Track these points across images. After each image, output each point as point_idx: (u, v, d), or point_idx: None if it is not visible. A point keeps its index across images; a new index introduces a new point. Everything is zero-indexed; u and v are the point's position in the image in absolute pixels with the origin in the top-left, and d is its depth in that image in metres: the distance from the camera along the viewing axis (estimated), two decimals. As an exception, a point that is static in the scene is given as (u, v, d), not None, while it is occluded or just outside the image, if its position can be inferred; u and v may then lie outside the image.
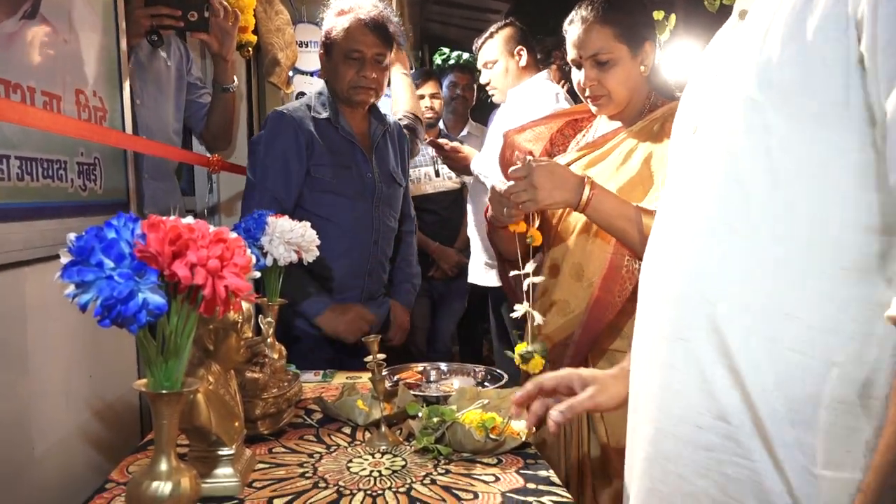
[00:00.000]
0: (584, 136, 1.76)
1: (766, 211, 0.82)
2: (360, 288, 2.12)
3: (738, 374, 0.83)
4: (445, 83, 3.66)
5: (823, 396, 0.78)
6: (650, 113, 1.64)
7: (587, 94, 1.64)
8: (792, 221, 0.80)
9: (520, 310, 1.56)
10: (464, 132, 3.63)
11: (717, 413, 0.85)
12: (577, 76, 1.65)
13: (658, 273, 0.95)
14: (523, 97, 2.73)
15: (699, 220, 0.89)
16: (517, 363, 1.57)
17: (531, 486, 1.16)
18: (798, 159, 0.80)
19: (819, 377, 0.79)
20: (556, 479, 1.19)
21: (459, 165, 2.83)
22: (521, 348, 1.57)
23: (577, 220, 1.65)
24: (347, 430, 1.44)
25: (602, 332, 1.59)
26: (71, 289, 0.82)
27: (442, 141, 2.89)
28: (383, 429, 1.36)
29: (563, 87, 2.95)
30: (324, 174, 2.03)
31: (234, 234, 0.93)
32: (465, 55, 4.98)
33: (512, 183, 1.50)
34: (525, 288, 1.56)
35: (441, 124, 3.64)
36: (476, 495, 1.12)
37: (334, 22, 2.07)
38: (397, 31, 2.10)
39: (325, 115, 2.06)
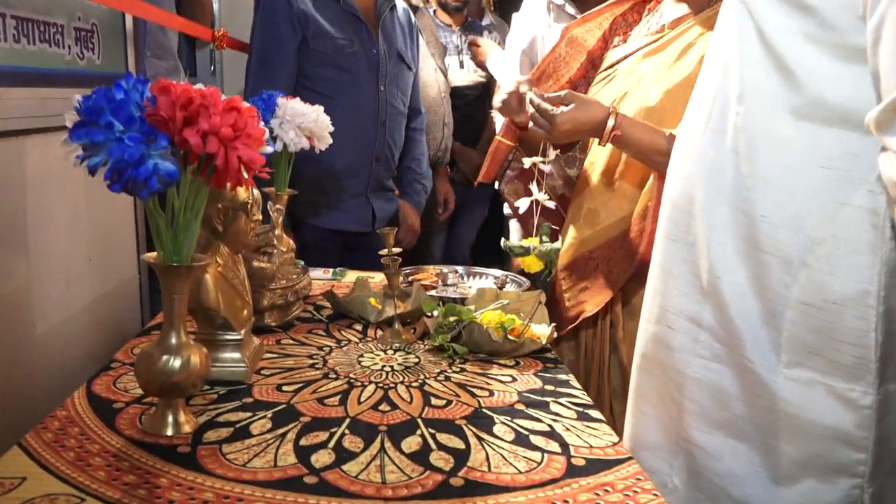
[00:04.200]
0: (647, 23, 1.74)
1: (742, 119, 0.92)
2: (367, 174, 2.20)
3: (714, 276, 0.92)
4: None
5: (791, 298, 0.87)
6: None
7: None
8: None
9: (523, 203, 1.64)
10: (485, 21, 3.56)
11: (688, 315, 0.95)
12: None
13: (669, 173, 1.04)
14: None
15: (696, 124, 0.99)
16: (509, 254, 1.62)
17: (549, 387, 1.23)
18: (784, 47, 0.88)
19: (788, 277, 0.87)
20: (575, 383, 1.26)
21: (475, 59, 2.80)
22: (527, 242, 1.63)
23: None
24: (358, 326, 1.52)
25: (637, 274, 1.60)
26: (79, 151, 0.87)
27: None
28: (396, 326, 1.43)
29: None
30: (324, 47, 2.08)
31: (247, 104, 0.97)
32: None
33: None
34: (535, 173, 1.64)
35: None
36: (491, 393, 1.19)
37: None
38: None
39: None
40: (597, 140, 1.70)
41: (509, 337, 1.35)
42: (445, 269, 1.90)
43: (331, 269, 1.93)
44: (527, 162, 1.68)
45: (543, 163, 1.66)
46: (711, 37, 1.53)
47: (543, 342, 1.39)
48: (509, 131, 1.83)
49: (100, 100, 0.87)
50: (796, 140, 0.88)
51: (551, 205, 1.68)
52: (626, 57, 1.70)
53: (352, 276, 1.91)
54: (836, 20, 0.83)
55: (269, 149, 1.02)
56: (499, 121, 3.04)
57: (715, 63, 1.00)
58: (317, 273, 1.89)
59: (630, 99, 1.62)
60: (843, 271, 0.85)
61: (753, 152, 0.91)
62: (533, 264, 1.66)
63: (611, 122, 1.52)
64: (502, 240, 1.74)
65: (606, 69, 1.74)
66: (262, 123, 1.50)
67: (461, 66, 3.35)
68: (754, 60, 0.91)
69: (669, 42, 1.62)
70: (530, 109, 1.56)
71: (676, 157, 1.05)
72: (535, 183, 1.69)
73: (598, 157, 1.71)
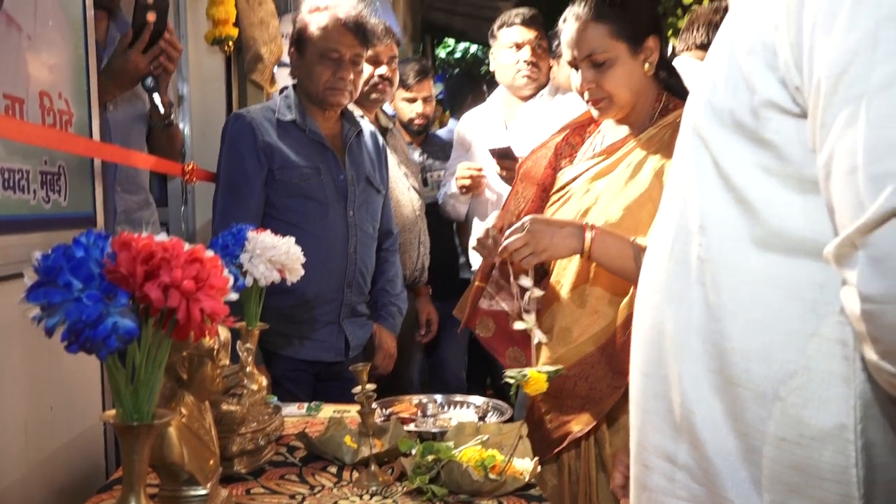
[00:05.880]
0: (591, 144, 1.85)
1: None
2: (339, 301, 2.26)
3: (688, 410, 0.93)
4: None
5: (767, 433, 0.87)
6: (661, 118, 1.72)
7: (586, 97, 1.73)
8: None
9: (521, 325, 1.65)
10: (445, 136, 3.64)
11: (664, 453, 0.95)
12: (575, 79, 1.74)
13: (637, 303, 1.07)
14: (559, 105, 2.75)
15: (660, 255, 1.01)
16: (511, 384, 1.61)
17: (533, 530, 1.23)
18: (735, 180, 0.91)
19: (764, 412, 0.88)
20: (561, 524, 1.25)
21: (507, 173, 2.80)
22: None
23: None
24: (333, 469, 1.51)
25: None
26: (36, 311, 0.90)
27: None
28: (373, 468, 1.43)
29: None
30: (290, 177, 2.19)
31: (210, 253, 1.01)
32: (474, 48, 4.96)
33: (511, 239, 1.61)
34: (525, 301, 1.66)
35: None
36: (472, 540, 1.18)
37: (309, 19, 2.23)
38: (375, 30, 2.32)
39: (290, 117, 2.22)
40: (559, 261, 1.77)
41: (490, 475, 1.35)
42: (425, 398, 1.91)
43: (305, 405, 1.93)
44: (527, 291, 1.69)
45: (538, 290, 1.69)
46: (661, 155, 1.66)
47: (527, 478, 1.39)
48: (482, 273, 1.90)
49: (59, 259, 0.90)
50: (761, 270, 0.91)
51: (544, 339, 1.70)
52: (576, 177, 1.82)
53: (328, 410, 1.91)
54: (791, 154, 0.88)
55: (234, 296, 1.06)
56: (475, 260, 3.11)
57: (674, 193, 1.04)
58: (290, 409, 1.89)
59: (592, 215, 1.72)
60: (817, 405, 0.86)
61: (719, 283, 0.94)
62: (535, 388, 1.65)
63: (589, 234, 1.58)
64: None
65: (559, 190, 1.86)
66: (226, 270, 1.56)
67: (425, 183, 3.44)
68: (712, 191, 0.95)
69: (619, 161, 1.75)
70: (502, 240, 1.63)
71: (643, 287, 1.08)
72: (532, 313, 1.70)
73: (563, 275, 1.79)
